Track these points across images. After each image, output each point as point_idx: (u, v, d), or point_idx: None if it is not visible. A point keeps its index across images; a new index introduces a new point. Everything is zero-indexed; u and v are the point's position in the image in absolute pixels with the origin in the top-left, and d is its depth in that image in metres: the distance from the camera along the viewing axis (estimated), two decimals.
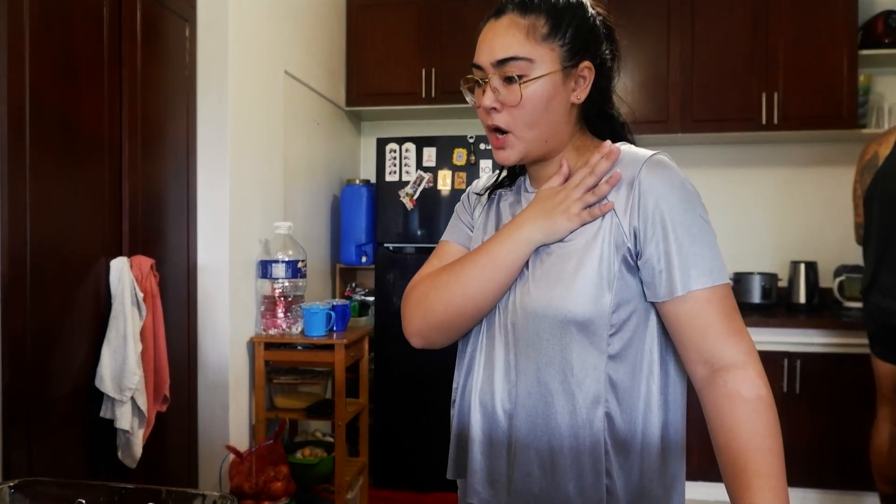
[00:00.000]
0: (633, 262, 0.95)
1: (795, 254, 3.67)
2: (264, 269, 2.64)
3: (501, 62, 0.96)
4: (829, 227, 3.67)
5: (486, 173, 3.22)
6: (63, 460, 1.79)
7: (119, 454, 1.93)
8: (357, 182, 3.58)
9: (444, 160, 3.28)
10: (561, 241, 0.98)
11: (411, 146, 3.30)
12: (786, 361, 3.13)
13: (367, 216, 3.53)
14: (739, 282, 3.53)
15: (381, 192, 3.35)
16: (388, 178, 3.33)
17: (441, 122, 3.98)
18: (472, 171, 3.24)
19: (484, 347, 1.04)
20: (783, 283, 3.60)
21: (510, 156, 1.00)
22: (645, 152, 1.01)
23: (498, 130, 1.00)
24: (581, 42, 0.98)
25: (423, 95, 3.65)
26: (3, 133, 1.57)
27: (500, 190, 1.15)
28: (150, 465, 2.08)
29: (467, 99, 1.06)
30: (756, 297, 3.47)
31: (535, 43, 0.96)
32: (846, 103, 3.29)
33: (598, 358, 0.95)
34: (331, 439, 2.81)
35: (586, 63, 0.99)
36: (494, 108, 0.98)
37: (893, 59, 3.40)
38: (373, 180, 3.56)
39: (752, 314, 3.33)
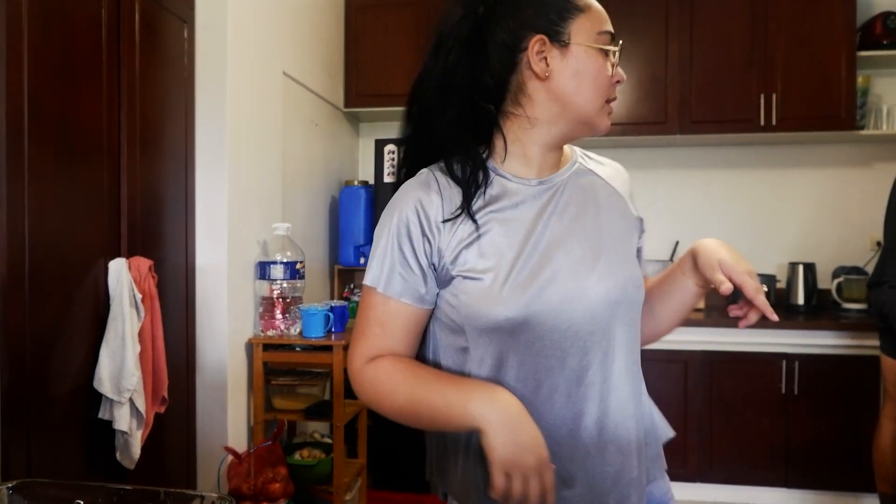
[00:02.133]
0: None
1: (793, 255, 3.67)
2: (263, 270, 2.64)
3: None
4: (827, 228, 3.67)
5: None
6: (61, 461, 1.79)
7: (117, 455, 1.93)
8: (355, 183, 3.58)
9: None
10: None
11: None
12: (784, 363, 3.13)
13: (365, 217, 3.52)
14: None
15: (380, 194, 3.35)
16: (387, 179, 3.33)
17: None
18: None
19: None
20: (781, 285, 3.60)
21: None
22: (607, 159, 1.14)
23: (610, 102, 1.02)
24: None
25: None
26: (1, 134, 1.57)
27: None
28: (149, 466, 2.08)
29: (597, 65, 0.98)
30: None
31: None
32: (844, 104, 3.29)
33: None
34: (329, 440, 2.81)
35: None
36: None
37: (892, 60, 3.40)
38: (371, 181, 3.56)
39: None
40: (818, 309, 3.47)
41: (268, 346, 2.60)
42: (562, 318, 0.94)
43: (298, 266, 2.67)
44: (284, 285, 2.63)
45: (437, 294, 1.00)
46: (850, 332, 3.07)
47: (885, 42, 3.31)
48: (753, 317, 1.05)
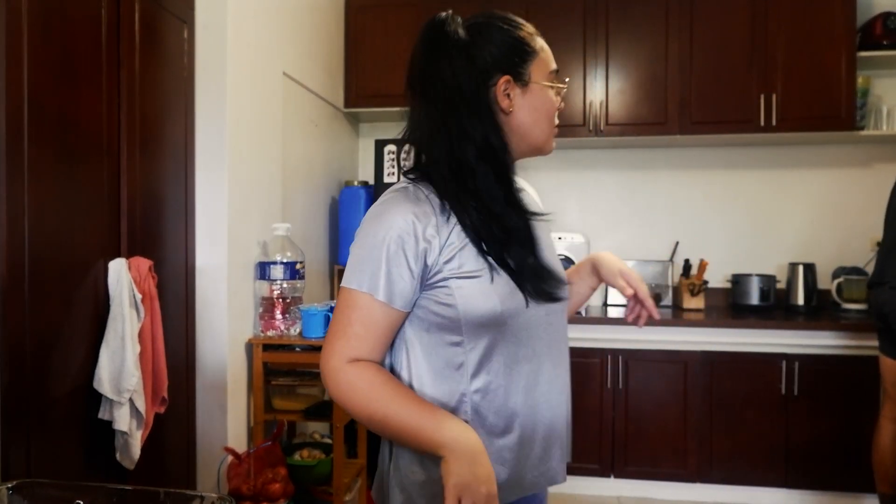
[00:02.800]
0: None
1: (793, 255, 3.68)
2: (262, 270, 2.63)
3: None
4: (827, 228, 3.67)
5: None
6: (61, 461, 1.79)
7: (117, 456, 1.93)
8: (355, 183, 3.58)
9: None
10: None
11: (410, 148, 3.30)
12: (784, 363, 3.13)
13: None
14: (738, 283, 3.53)
15: (380, 194, 3.33)
16: (387, 179, 3.33)
17: None
18: None
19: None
20: (781, 285, 3.60)
21: None
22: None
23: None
24: None
25: None
26: (1, 134, 1.57)
27: None
28: (149, 466, 2.08)
29: (552, 98, 1.16)
30: (754, 299, 3.47)
31: None
32: (844, 105, 3.29)
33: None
34: (329, 441, 2.81)
35: None
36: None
37: (892, 60, 3.40)
38: (371, 182, 3.56)
39: (750, 316, 3.33)
40: (818, 309, 3.47)
41: (268, 347, 2.60)
42: (538, 309, 1.11)
43: (298, 266, 2.67)
44: (284, 285, 2.63)
45: (417, 298, 1.09)
46: (850, 332, 3.07)
47: (885, 42, 3.31)
48: (645, 315, 1.32)
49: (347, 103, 3.78)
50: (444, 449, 0.99)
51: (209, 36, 2.44)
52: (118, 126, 2.00)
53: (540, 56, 1.15)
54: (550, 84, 1.15)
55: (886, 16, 3.30)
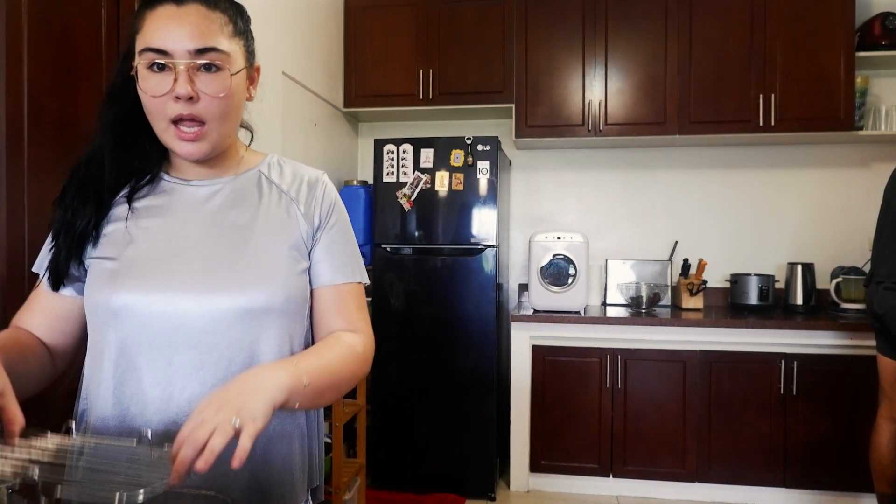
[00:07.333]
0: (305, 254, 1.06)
1: (792, 255, 3.68)
2: None
3: (202, 51, 0.91)
4: (826, 228, 3.68)
5: (484, 174, 3.23)
6: None
7: None
8: (355, 183, 3.58)
9: (441, 161, 3.28)
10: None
11: (409, 147, 3.31)
12: (783, 363, 3.14)
13: (364, 217, 3.53)
14: (736, 283, 3.54)
15: (379, 194, 3.35)
16: (386, 178, 3.33)
17: (438, 124, 3.98)
18: (469, 172, 3.24)
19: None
20: (780, 285, 3.61)
21: (203, 149, 0.96)
22: (310, 168, 1.16)
23: (190, 121, 0.93)
24: (253, 45, 1.03)
25: (421, 97, 3.66)
26: (1, 134, 1.57)
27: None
28: None
29: (145, 85, 0.92)
30: (753, 299, 3.48)
31: (229, 38, 0.95)
32: (843, 105, 3.30)
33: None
34: (329, 440, 2.81)
35: (258, 65, 1.05)
36: (191, 98, 0.91)
37: (891, 60, 3.41)
38: (370, 181, 3.57)
39: (749, 315, 3.34)
40: (816, 309, 3.48)
41: None
42: (171, 318, 0.94)
43: None
44: None
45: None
46: (849, 332, 3.08)
47: (883, 43, 3.31)
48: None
49: (347, 103, 3.78)
50: None
51: None
52: None
53: (141, 31, 0.93)
54: (138, 64, 0.92)
55: (885, 16, 3.30)
